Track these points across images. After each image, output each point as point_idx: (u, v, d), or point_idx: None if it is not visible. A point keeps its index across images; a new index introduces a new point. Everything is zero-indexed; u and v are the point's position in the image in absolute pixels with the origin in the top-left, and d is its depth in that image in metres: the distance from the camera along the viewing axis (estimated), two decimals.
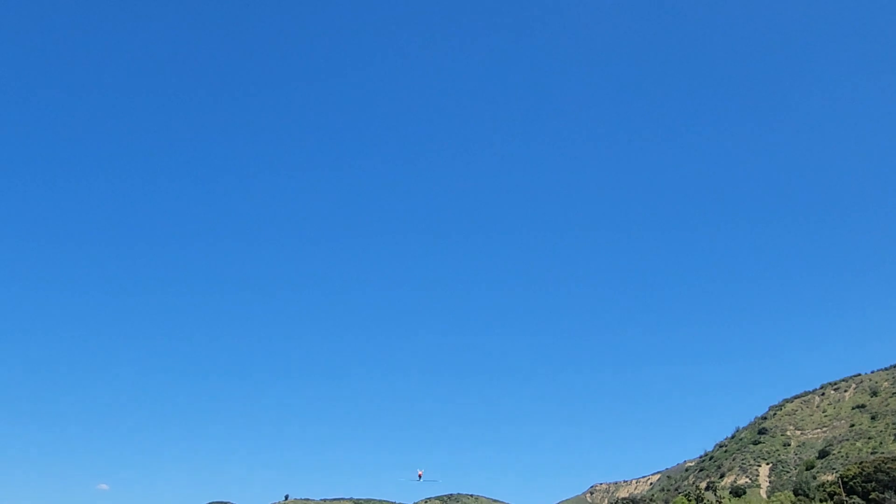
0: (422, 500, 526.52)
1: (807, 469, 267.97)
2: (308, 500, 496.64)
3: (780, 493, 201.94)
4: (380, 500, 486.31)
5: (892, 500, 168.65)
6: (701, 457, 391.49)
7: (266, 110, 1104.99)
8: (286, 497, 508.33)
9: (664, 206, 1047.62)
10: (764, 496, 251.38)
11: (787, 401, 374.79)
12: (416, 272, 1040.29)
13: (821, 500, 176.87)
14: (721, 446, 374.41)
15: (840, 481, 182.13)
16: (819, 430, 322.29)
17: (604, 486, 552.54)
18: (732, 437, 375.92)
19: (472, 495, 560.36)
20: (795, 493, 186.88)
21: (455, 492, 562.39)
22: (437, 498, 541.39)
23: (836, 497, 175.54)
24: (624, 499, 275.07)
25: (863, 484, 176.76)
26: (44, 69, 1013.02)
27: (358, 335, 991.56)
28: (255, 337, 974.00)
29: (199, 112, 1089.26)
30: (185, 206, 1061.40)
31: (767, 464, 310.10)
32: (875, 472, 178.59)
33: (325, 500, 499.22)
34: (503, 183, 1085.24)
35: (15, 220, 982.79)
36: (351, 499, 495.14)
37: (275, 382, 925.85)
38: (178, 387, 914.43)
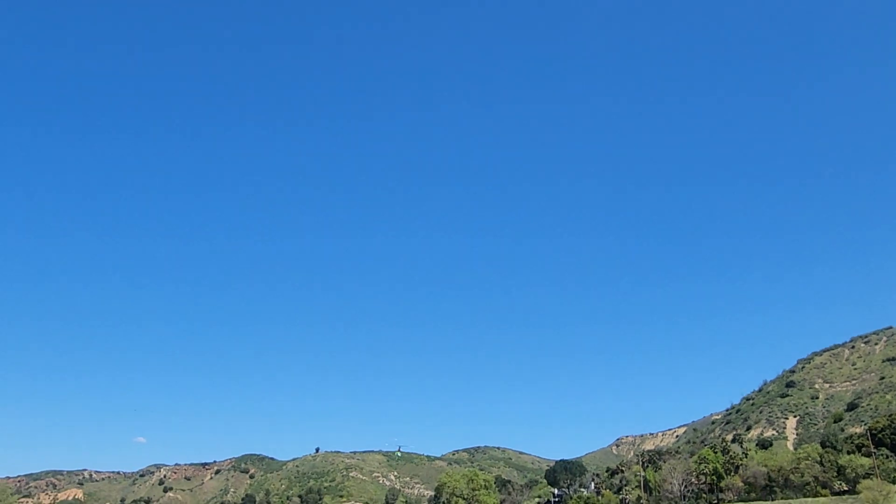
0: (449, 452, 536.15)
1: (835, 421, 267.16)
2: (338, 452, 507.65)
3: (807, 445, 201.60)
4: (408, 453, 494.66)
5: None
6: (728, 410, 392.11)
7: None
8: (317, 450, 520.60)
9: (689, 159, 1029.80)
10: (791, 448, 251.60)
11: (815, 354, 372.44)
12: (442, 225, 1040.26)
13: (848, 452, 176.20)
14: (748, 399, 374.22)
15: (868, 433, 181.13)
16: (848, 382, 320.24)
17: (630, 438, 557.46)
18: (759, 390, 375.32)
19: (498, 447, 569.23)
20: (823, 446, 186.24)
21: (482, 444, 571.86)
22: (465, 450, 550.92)
23: (863, 449, 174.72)
24: (650, 451, 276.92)
25: (891, 436, 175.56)
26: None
27: (388, 289, 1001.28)
28: (289, 295, 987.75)
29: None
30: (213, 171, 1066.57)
31: (795, 416, 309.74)
32: None
33: (354, 451, 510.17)
34: (537, 130, 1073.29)
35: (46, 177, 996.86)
36: (380, 451, 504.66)
37: (307, 339, 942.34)
38: (214, 343, 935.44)
